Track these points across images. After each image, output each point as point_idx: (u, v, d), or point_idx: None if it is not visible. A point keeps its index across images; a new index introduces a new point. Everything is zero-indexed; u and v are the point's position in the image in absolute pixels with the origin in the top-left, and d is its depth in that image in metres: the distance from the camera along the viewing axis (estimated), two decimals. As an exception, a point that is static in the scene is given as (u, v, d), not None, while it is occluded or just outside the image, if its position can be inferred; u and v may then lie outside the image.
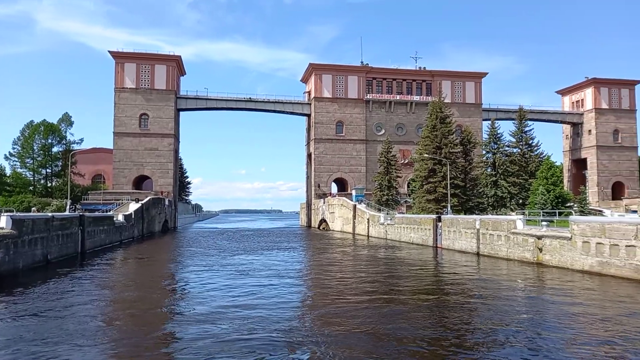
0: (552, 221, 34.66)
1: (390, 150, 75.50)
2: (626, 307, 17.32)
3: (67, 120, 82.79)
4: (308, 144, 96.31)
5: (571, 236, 26.63)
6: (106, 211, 56.63)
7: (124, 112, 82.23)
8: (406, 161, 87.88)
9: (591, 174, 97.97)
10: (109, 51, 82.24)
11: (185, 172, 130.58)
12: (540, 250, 29.29)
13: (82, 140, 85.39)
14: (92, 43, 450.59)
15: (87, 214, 42.02)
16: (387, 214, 61.56)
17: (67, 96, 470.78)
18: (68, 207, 52.07)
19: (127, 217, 54.12)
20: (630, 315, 16.04)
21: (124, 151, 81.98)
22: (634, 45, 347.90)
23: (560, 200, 51.72)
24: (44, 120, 79.74)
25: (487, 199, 62.98)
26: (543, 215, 37.22)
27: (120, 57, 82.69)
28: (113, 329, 14.43)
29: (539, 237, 29.44)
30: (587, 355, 11.74)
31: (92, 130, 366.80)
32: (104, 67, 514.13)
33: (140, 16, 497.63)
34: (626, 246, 23.01)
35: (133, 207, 60.29)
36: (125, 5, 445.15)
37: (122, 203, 65.54)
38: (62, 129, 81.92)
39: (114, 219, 49.69)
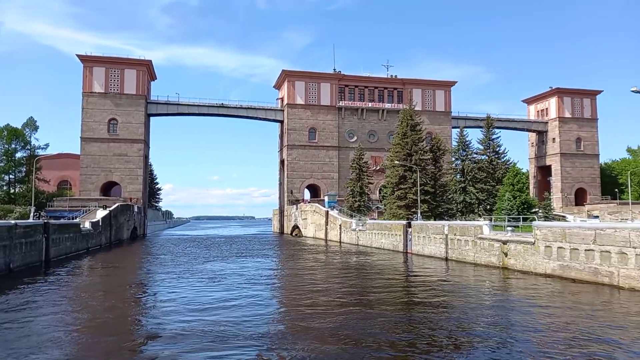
0: (517, 226, 35.79)
1: (362, 157, 76.31)
2: (584, 309, 18.05)
3: (31, 124, 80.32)
4: (281, 150, 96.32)
5: (534, 241, 27.57)
6: (72, 218, 55.18)
7: (92, 117, 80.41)
8: (378, 168, 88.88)
9: (555, 181, 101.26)
10: (77, 55, 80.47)
11: (156, 179, 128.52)
12: (506, 254, 30.18)
13: (47, 145, 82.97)
14: (60, 46, 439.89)
15: (52, 221, 40.86)
16: (359, 220, 62.11)
17: (33, 100, 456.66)
18: (32, 214, 50.52)
19: (94, 225, 52.87)
20: (589, 317, 16.71)
21: (91, 157, 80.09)
22: (597, 53, 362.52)
23: (526, 206, 53.25)
24: (7, 124, 77.04)
25: (456, 205, 64.30)
26: (508, 220, 38.29)
27: (88, 61, 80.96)
28: (78, 340, 14.16)
29: (504, 242, 30.34)
30: (551, 355, 12.22)
31: (59, 136, 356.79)
32: (72, 70, 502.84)
33: (110, 19, 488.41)
34: (585, 250, 23.99)
35: (100, 214, 58.94)
36: (95, 8, 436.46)
37: (89, 210, 63.97)
38: (27, 133, 79.41)
39: (81, 226, 48.48)
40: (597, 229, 23.59)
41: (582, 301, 19.68)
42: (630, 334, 14.23)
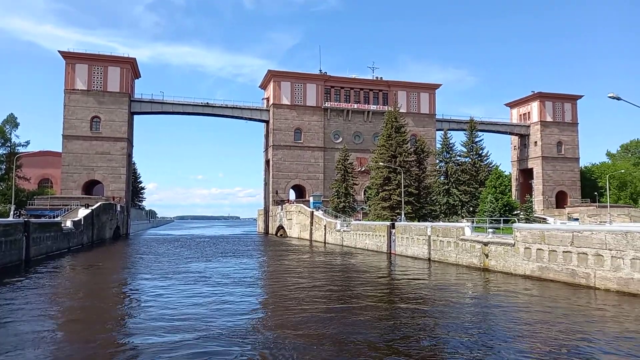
0: (498, 228, 36.39)
1: (348, 158, 76.67)
2: (562, 310, 18.49)
3: (12, 121, 78.70)
4: (266, 150, 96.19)
5: (514, 242, 28.08)
6: (54, 217, 54.38)
7: (75, 115, 79.31)
8: (363, 169, 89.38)
9: (537, 184, 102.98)
10: (59, 51, 79.26)
11: (139, 177, 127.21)
12: (487, 256, 30.67)
13: (28, 142, 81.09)
14: (42, 42, 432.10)
15: (32, 219, 40.25)
16: (344, 220, 62.38)
17: (14, 97, 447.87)
18: (12, 212, 49.66)
19: (76, 223, 52.17)
20: (566, 317, 17.11)
21: (73, 155, 78.97)
22: (580, 57, 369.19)
23: (507, 208, 54.13)
24: (-13, 120, 75.62)
25: (439, 206, 65.00)
26: (490, 222, 38.90)
27: (71, 58, 79.81)
28: (58, 340, 14.04)
29: (485, 244, 30.83)
30: (528, 353, 12.53)
31: (40, 133, 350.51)
32: (54, 67, 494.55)
33: (94, 16, 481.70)
34: (563, 252, 24.53)
35: (82, 212, 58.18)
36: (78, 5, 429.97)
37: (70, 209, 63.09)
38: (7, 130, 77.78)
39: (62, 225, 47.81)
40: (574, 231, 24.14)
41: (560, 302, 20.12)
42: (606, 334, 14.62)
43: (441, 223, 44.16)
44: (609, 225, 27.70)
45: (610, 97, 24.78)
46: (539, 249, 26.14)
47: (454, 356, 12.38)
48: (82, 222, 54.97)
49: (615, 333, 14.64)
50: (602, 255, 22.19)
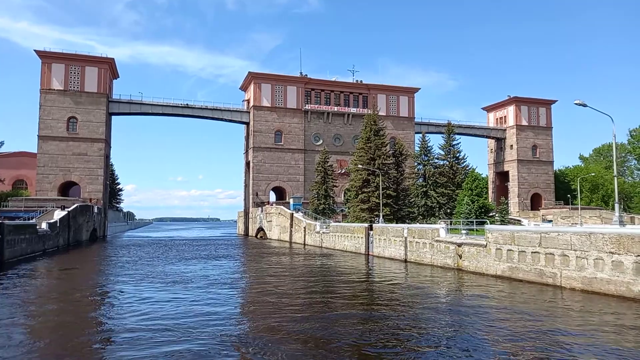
0: (473, 229, 37.33)
1: (328, 160, 77.22)
2: (530, 308, 19.28)
3: (-15, 121, 77.19)
4: (247, 152, 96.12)
5: (486, 244, 28.96)
6: (28, 219, 53.48)
7: (50, 115, 78.02)
8: (343, 171, 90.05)
9: (512, 186, 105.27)
10: (35, 50, 77.89)
11: (117, 179, 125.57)
12: (460, 256, 31.51)
13: (2, 143, 79.05)
14: (17, 39, 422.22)
15: (7, 222, 39.62)
16: (324, 222, 62.85)
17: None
18: (-15, 214, 48.71)
19: (51, 225, 51.44)
20: (534, 314, 17.88)
21: (49, 156, 77.64)
22: (553, 64, 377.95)
23: (483, 210, 55.40)
24: (-41, 120, 73.92)
25: (417, 208, 66.00)
26: (464, 224, 39.81)
27: (47, 57, 78.50)
28: (33, 345, 13.92)
29: (459, 245, 31.67)
30: (499, 350, 13.16)
31: (14, 133, 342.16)
32: (31, 65, 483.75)
33: (72, 14, 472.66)
34: (532, 252, 25.46)
35: (58, 214, 57.33)
36: (55, 2, 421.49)
37: (46, 210, 62.04)
38: (-20, 130, 76.25)
39: (37, 227, 47.12)
40: (542, 232, 25.08)
41: (529, 300, 20.95)
42: (572, 329, 15.38)
43: (417, 225, 45.00)
44: (577, 227, 28.77)
45: (576, 103, 25.83)
46: (510, 250, 27.05)
47: (428, 353, 12.91)
48: (58, 224, 54.20)
49: (578, 329, 15.41)
50: (567, 256, 23.14)
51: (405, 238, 38.74)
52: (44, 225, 49.65)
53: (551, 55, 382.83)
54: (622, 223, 25.10)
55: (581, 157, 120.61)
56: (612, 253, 20.82)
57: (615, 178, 29.08)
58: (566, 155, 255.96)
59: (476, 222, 41.03)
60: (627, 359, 12.22)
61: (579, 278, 22.52)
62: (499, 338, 14.40)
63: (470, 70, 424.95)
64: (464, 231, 33.29)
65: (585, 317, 17.56)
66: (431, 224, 56.85)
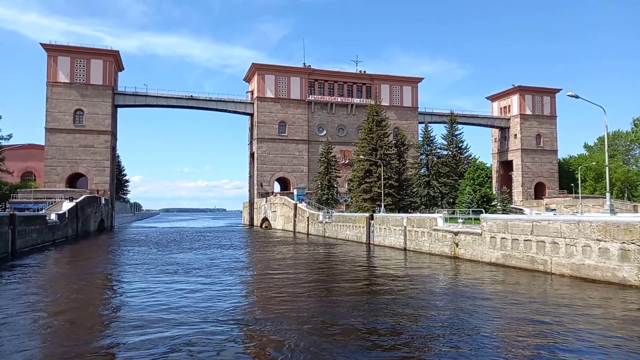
0: (471, 219, 38.03)
1: (331, 150, 77.92)
2: (522, 293, 20.05)
3: (-6, 114, 78.40)
4: (251, 143, 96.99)
5: (481, 232, 29.71)
6: (37, 210, 54.81)
7: (57, 108, 79.22)
8: (346, 161, 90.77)
9: (516, 175, 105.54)
10: (41, 44, 78.90)
11: (124, 170, 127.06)
12: (457, 245, 32.30)
13: (10, 135, 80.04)
14: (25, 31, 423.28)
15: (17, 213, 40.84)
16: (326, 212, 63.78)
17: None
18: (-4, 206, 50.04)
19: (60, 216, 52.74)
20: (526, 299, 18.65)
21: (56, 148, 79.01)
22: (559, 52, 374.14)
23: (485, 199, 56.03)
24: (-32, 114, 75.19)
25: (420, 198, 66.71)
26: (462, 213, 40.53)
27: (53, 50, 79.52)
28: (45, 334, 14.27)
29: (456, 233, 32.45)
30: (495, 336, 13.98)
31: (23, 126, 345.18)
32: (39, 58, 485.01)
33: (80, 5, 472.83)
34: (524, 240, 26.20)
35: (67, 205, 58.66)
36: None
37: (54, 202, 63.41)
38: (-11, 123, 77.60)
39: (47, 218, 48.41)
40: (534, 221, 25.80)
41: (521, 286, 21.69)
42: (560, 314, 16.12)
43: (416, 214, 45.79)
44: (564, 216, 29.42)
45: (569, 95, 26.34)
46: (503, 238, 27.80)
47: (428, 337, 13.68)
48: (67, 215, 55.51)
49: (567, 313, 16.15)
50: (557, 243, 23.87)
51: (405, 227, 39.54)
52: (53, 216, 50.93)
53: (559, 45, 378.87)
54: (612, 211, 25.72)
55: (586, 146, 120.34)
56: (599, 240, 21.52)
57: (607, 168, 29.70)
58: (572, 144, 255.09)
59: (473, 211, 41.72)
60: (613, 341, 12.92)
61: (568, 265, 23.26)
62: (491, 321, 15.15)
63: (479, 59, 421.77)
64: (460, 220, 34.03)
65: (573, 302, 18.24)
66: (433, 213, 57.69)
